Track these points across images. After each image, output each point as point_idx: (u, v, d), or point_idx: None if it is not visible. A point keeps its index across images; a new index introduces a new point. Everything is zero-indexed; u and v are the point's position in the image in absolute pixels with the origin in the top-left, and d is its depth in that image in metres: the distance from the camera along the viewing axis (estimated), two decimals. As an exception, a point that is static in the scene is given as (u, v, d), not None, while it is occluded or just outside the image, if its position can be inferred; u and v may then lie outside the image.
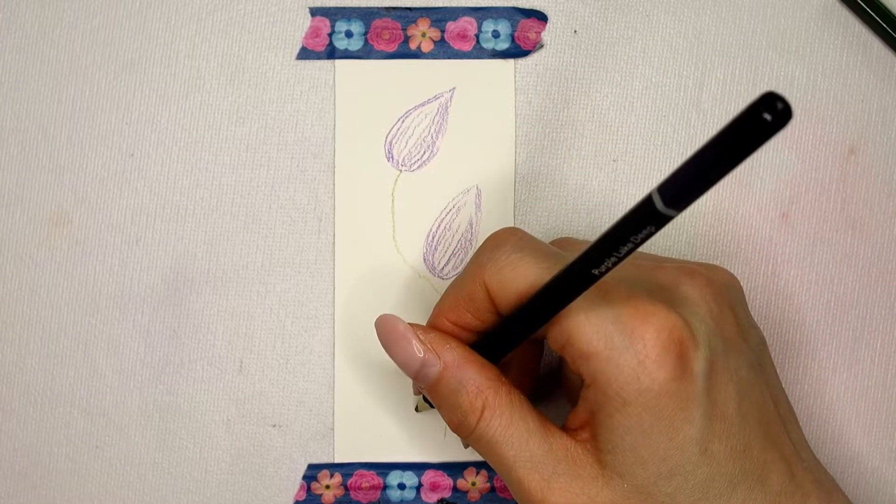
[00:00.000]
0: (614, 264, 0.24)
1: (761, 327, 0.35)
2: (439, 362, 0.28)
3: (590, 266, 0.24)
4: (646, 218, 0.22)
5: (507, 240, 0.29)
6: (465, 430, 0.28)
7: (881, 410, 0.35)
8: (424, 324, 0.30)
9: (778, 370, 0.35)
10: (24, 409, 0.35)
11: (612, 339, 0.26)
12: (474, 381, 0.28)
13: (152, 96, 0.35)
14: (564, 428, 0.28)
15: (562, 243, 0.32)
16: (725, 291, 0.28)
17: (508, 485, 0.28)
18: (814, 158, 0.35)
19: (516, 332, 0.28)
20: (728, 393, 0.27)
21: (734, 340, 0.28)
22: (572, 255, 0.25)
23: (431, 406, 0.33)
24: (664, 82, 0.35)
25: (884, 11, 0.34)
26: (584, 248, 0.25)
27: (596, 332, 0.26)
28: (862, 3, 0.34)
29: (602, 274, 0.24)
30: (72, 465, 0.35)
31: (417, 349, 0.29)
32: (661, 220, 0.22)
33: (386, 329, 0.29)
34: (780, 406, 0.29)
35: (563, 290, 0.26)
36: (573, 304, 0.26)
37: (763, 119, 0.19)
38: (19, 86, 0.35)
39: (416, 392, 0.34)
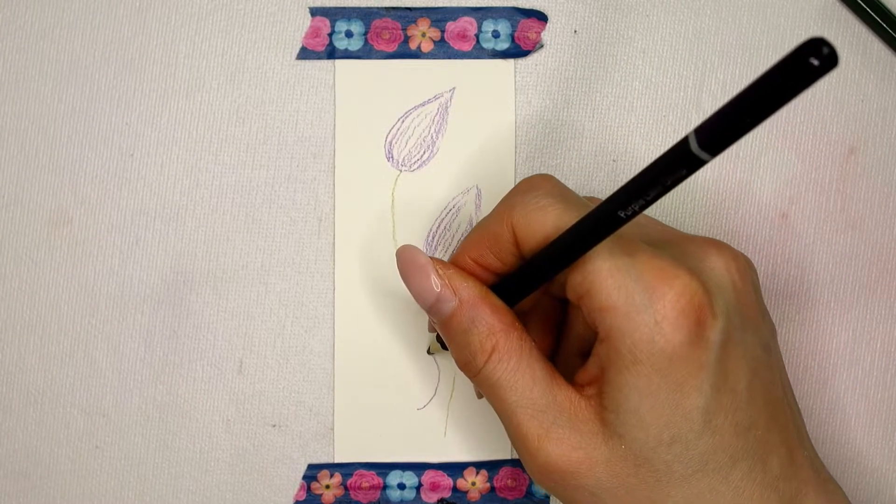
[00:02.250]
0: (642, 208, 0.24)
1: (761, 327, 0.35)
2: (455, 298, 0.28)
3: (617, 208, 0.24)
4: (679, 160, 0.22)
5: (541, 185, 0.28)
6: (471, 370, 0.28)
7: (881, 410, 0.35)
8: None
9: (778, 370, 0.35)
10: (24, 409, 0.35)
11: (632, 296, 0.26)
12: (487, 321, 0.28)
13: (152, 96, 0.35)
14: (573, 382, 0.28)
15: (591, 201, 0.32)
16: (749, 269, 0.28)
17: (508, 430, 0.28)
18: (814, 158, 0.35)
19: (538, 274, 0.28)
20: (740, 368, 0.27)
21: (752, 318, 0.28)
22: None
23: (445, 348, 0.33)
24: (664, 82, 0.35)
25: (884, 11, 0.34)
26: None
27: (617, 286, 0.26)
28: (862, 3, 0.34)
29: (628, 217, 0.24)
30: (72, 465, 0.35)
31: (435, 283, 0.29)
32: (694, 164, 0.22)
33: (406, 260, 0.29)
34: (787, 393, 0.29)
35: (588, 231, 0.25)
36: (597, 257, 0.26)
37: (809, 63, 0.18)
38: (19, 86, 0.35)
39: (431, 329, 0.34)
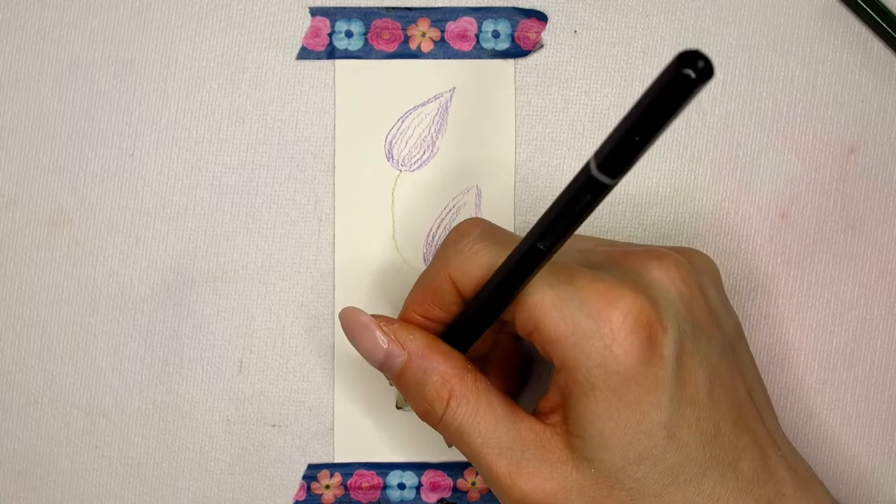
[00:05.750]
0: (559, 237, 0.24)
1: (761, 328, 0.35)
2: (403, 353, 0.29)
3: (536, 240, 0.24)
4: (583, 186, 0.22)
5: (470, 231, 0.29)
6: (432, 420, 0.28)
7: (881, 410, 0.35)
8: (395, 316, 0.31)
9: (778, 371, 0.35)
10: (24, 409, 0.35)
11: (578, 324, 0.26)
12: (439, 370, 0.28)
13: (152, 96, 0.35)
14: (535, 412, 0.28)
15: None
16: (696, 274, 0.28)
17: (479, 471, 0.28)
18: (814, 158, 0.35)
19: (480, 317, 0.28)
20: (698, 377, 0.27)
21: (705, 324, 0.28)
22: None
23: None
24: (664, 82, 0.35)
25: (884, 11, 0.34)
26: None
27: (563, 317, 0.26)
28: (862, 3, 0.34)
29: (549, 249, 0.24)
30: (72, 465, 0.35)
31: (381, 340, 0.29)
32: (596, 188, 0.22)
33: (349, 321, 0.29)
34: (755, 393, 0.29)
35: (515, 268, 0.26)
36: (538, 290, 0.26)
37: (685, 75, 0.18)
38: (19, 86, 0.35)
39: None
